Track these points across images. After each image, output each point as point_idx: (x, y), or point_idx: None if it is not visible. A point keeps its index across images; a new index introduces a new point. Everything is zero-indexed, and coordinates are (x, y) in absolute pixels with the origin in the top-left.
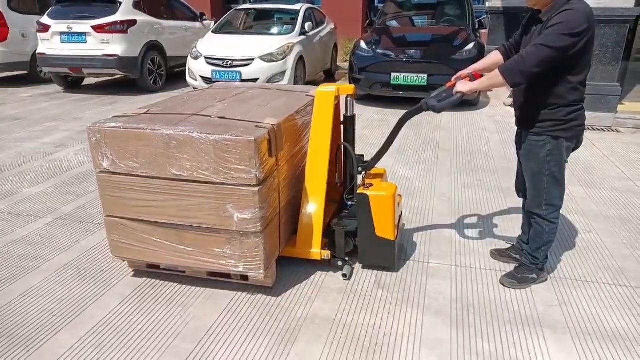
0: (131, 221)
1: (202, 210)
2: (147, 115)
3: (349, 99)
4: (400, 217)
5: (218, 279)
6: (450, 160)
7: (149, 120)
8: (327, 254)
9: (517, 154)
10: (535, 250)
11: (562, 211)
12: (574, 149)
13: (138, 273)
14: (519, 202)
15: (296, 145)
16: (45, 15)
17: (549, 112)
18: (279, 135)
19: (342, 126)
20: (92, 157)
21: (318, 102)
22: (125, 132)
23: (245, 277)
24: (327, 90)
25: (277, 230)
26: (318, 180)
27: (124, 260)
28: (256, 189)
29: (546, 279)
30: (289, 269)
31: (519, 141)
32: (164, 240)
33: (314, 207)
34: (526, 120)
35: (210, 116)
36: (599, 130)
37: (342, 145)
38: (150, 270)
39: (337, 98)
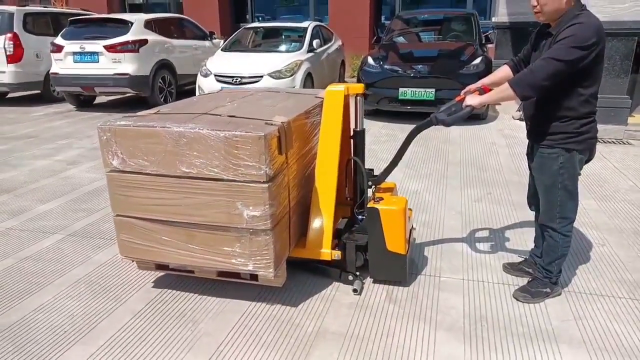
0: (140, 220)
1: (212, 207)
2: (157, 114)
3: (358, 98)
4: (411, 231)
5: (227, 279)
6: (459, 174)
7: (159, 119)
8: (337, 254)
9: (529, 166)
10: (549, 263)
11: (574, 224)
12: (587, 161)
13: (150, 288)
14: (530, 215)
15: (305, 145)
16: (59, 36)
17: (561, 124)
18: (289, 133)
19: (351, 140)
20: (102, 155)
21: (327, 101)
22: (136, 129)
23: (254, 277)
24: (336, 89)
25: (287, 229)
26: (328, 180)
27: (132, 261)
28: (266, 185)
29: (560, 293)
30: (298, 284)
31: (531, 154)
32: (173, 239)
33: (324, 207)
34: (538, 133)
35: (220, 115)
36: (609, 142)
37: (352, 160)
38: (159, 272)
39: (347, 97)
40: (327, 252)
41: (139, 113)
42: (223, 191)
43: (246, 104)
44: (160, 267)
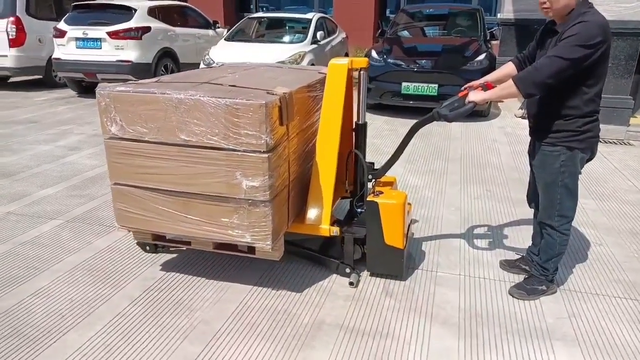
0: (138, 189)
1: (211, 177)
2: (157, 82)
3: (362, 72)
4: (409, 225)
5: (224, 252)
6: (460, 170)
7: (159, 86)
8: (335, 230)
9: (530, 164)
10: (546, 261)
11: (572, 223)
12: (588, 160)
13: (148, 275)
14: (529, 213)
15: (307, 119)
16: (62, 21)
17: (564, 122)
18: (290, 104)
19: (353, 133)
20: (100, 122)
21: (330, 75)
22: (135, 95)
23: (252, 250)
24: (340, 62)
25: (286, 202)
26: (328, 155)
27: (129, 231)
28: (266, 155)
29: (555, 291)
30: (295, 275)
31: (533, 151)
32: (170, 209)
33: (324, 182)
34: (540, 130)
35: (221, 84)
36: (610, 143)
37: (353, 153)
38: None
39: (350, 71)
40: (326, 228)
41: (139, 81)
42: (222, 160)
43: (248, 75)
44: (156, 237)
